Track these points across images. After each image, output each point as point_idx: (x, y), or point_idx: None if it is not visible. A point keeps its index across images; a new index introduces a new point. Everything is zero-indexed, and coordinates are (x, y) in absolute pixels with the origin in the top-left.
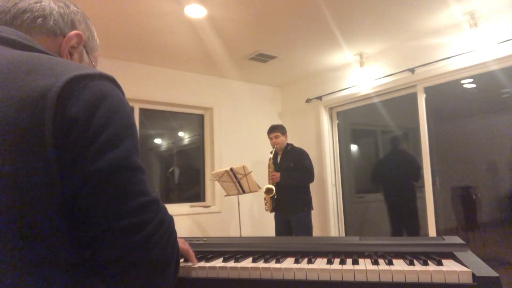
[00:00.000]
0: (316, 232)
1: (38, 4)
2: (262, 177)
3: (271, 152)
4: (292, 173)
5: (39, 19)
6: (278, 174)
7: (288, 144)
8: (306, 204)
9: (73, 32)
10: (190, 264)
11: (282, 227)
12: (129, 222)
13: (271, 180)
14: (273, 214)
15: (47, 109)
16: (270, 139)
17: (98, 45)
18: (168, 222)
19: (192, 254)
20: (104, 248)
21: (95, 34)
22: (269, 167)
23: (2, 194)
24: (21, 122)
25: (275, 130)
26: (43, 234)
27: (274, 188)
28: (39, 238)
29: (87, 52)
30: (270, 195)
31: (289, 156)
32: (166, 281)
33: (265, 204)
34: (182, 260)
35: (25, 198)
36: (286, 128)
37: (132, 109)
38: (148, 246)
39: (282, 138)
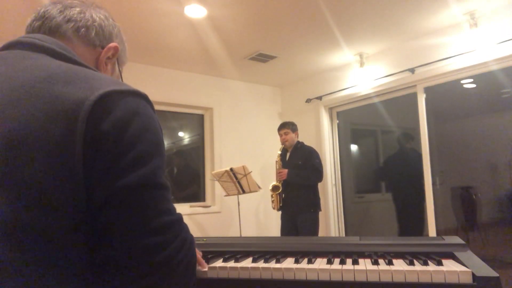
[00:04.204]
0: None
1: (82, 15)
2: (262, 177)
3: (280, 149)
4: (300, 171)
5: (82, 29)
6: (285, 171)
7: (298, 142)
8: (313, 204)
9: (112, 44)
10: (199, 268)
11: (288, 226)
12: (151, 241)
13: (278, 177)
14: (279, 214)
15: (79, 122)
16: (280, 135)
17: (127, 58)
18: (189, 242)
19: (202, 261)
20: (125, 266)
21: (127, 47)
22: (276, 163)
23: (27, 202)
24: (53, 133)
25: (285, 126)
26: (63, 245)
27: (280, 185)
28: (59, 248)
29: (118, 64)
30: (277, 192)
31: (298, 154)
32: None
33: (272, 202)
34: None
35: (49, 208)
36: None
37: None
38: (170, 266)
39: (292, 135)
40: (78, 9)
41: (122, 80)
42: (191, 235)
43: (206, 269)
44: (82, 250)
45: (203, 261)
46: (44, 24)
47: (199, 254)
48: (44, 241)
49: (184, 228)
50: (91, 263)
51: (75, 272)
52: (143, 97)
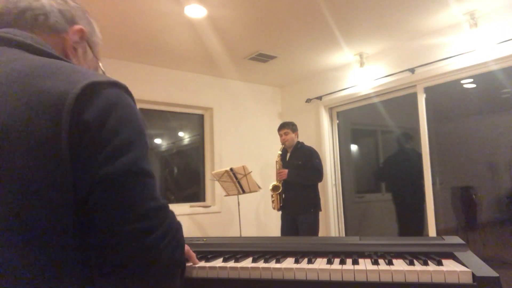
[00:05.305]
0: None
1: (37, 2)
2: (262, 177)
3: (280, 149)
4: (300, 171)
5: (41, 17)
6: (285, 171)
7: (298, 142)
8: (313, 204)
9: (76, 27)
10: (191, 264)
11: (288, 227)
12: (137, 226)
13: (278, 177)
14: (279, 214)
15: (64, 114)
16: (280, 135)
17: (100, 39)
18: (176, 228)
19: (193, 255)
20: (112, 252)
21: (96, 28)
22: (277, 163)
23: (17, 196)
24: (38, 127)
25: (285, 126)
26: (53, 236)
27: (280, 185)
28: (50, 240)
29: (90, 47)
30: (277, 192)
31: (298, 154)
32: (173, 286)
33: (272, 202)
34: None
35: (39, 200)
36: None
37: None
38: (156, 251)
39: (292, 135)
40: None
41: (98, 60)
42: (178, 222)
43: (198, 265)
44: (71, 240)
45: (194, 255)
46: (2, 20)
47: (191, 253)
48: (35, 235)
49: (170, 214)
50: (80, 252)
51: (64, 262)
52: (123, 88)
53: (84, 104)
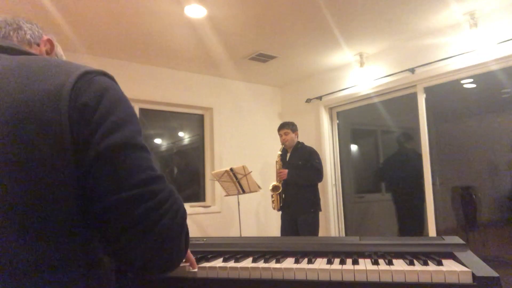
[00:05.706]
0: None
1: (4, 23)
2: (262, 177)
3: (280, 149)
4: (300, 171)
5: (11, 32)
6: (285, 171)
7: (298, 142)
8: (313, 205)
9: (45, 38)
10: (190, 269)
11: (288, 227)
12: (139, 191)
13: (278, 177)
14: (279, 214)
15: (62, 100)
16: (280, 135)
17: (62, 54)
18: (175, 200)
19: (193, 260)
20: (116, 218)
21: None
22: (277, 164)
23: (22, 184)
24: (38, 115)
25: (285, 126)
26: (57, 218)
27: (280, 185)
28: (54, 223)
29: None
30: (277, 192)
31: (298, 154)
32: (178, 249)
33: (272, 202)
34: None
35: (45, 186)
36: None
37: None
38: (159, 214)
39: (292, 135)
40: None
41: None
42: (179, 197)
43: (196, 270)
44: (74, 221)
45: (194, 260)
46: None
47: (191, 258)
48: (40, 218)
49: (168, 185)
50: (84, 232)
51: (69, 244)
52: (111, 77)
53: (79, 91)
